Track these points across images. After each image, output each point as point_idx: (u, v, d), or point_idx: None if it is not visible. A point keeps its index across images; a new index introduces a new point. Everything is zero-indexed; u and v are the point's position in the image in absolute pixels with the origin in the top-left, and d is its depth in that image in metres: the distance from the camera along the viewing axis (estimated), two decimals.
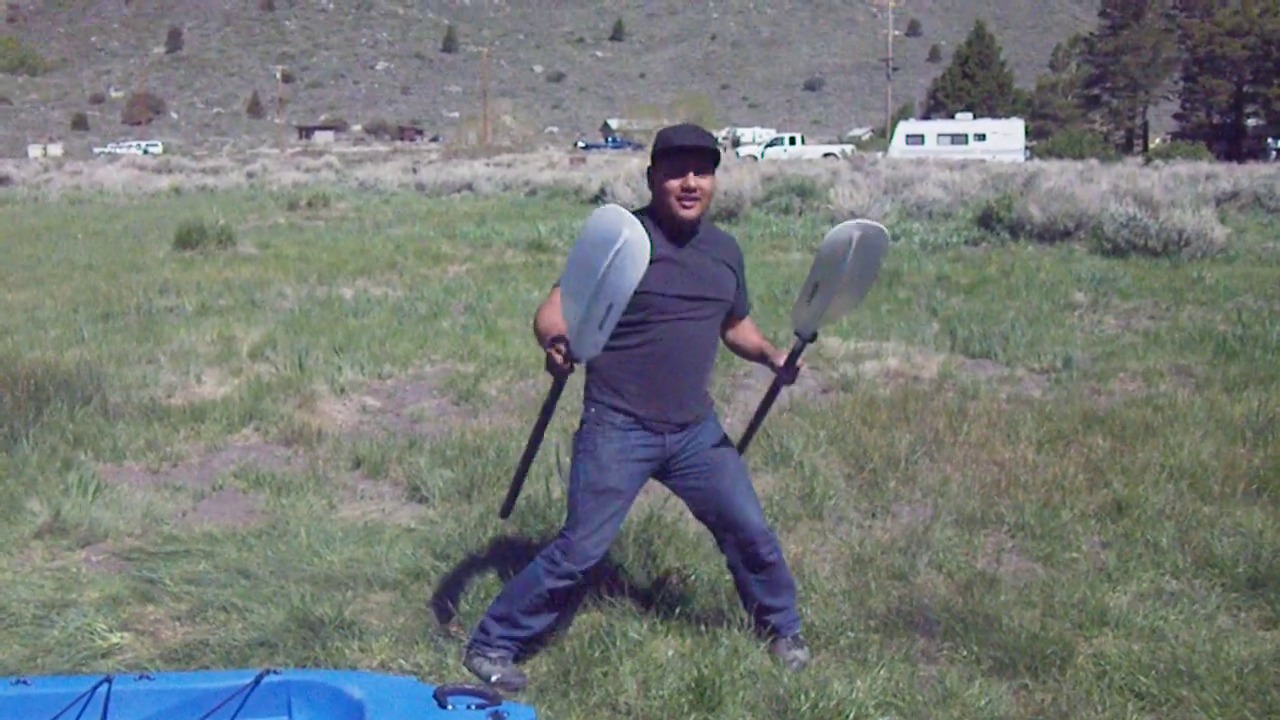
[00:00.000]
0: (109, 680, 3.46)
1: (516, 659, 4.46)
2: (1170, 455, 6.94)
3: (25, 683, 3.50)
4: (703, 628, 4.65)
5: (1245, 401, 8.25)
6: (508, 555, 5.40)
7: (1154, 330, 11.51)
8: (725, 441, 4.59)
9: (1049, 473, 6.71)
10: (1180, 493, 6.35)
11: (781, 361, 4.51)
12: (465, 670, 4.39)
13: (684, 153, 4.27)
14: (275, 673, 3.55)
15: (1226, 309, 12.67)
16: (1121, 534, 5.80)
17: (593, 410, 4.41)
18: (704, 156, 4.28)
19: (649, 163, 4.34)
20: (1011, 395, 8.80)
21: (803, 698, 4.04)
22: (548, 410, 4.10)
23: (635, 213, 3.99)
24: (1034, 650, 4.45)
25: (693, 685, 4.16)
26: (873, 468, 6.78)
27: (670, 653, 4.46)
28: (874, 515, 6.14)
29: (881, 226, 4.23)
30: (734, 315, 4.62)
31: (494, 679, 4.27)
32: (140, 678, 3.55)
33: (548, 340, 3.93)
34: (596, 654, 4.40)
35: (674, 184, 4.25)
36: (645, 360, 4.30)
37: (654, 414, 4.34)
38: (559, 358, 3.81)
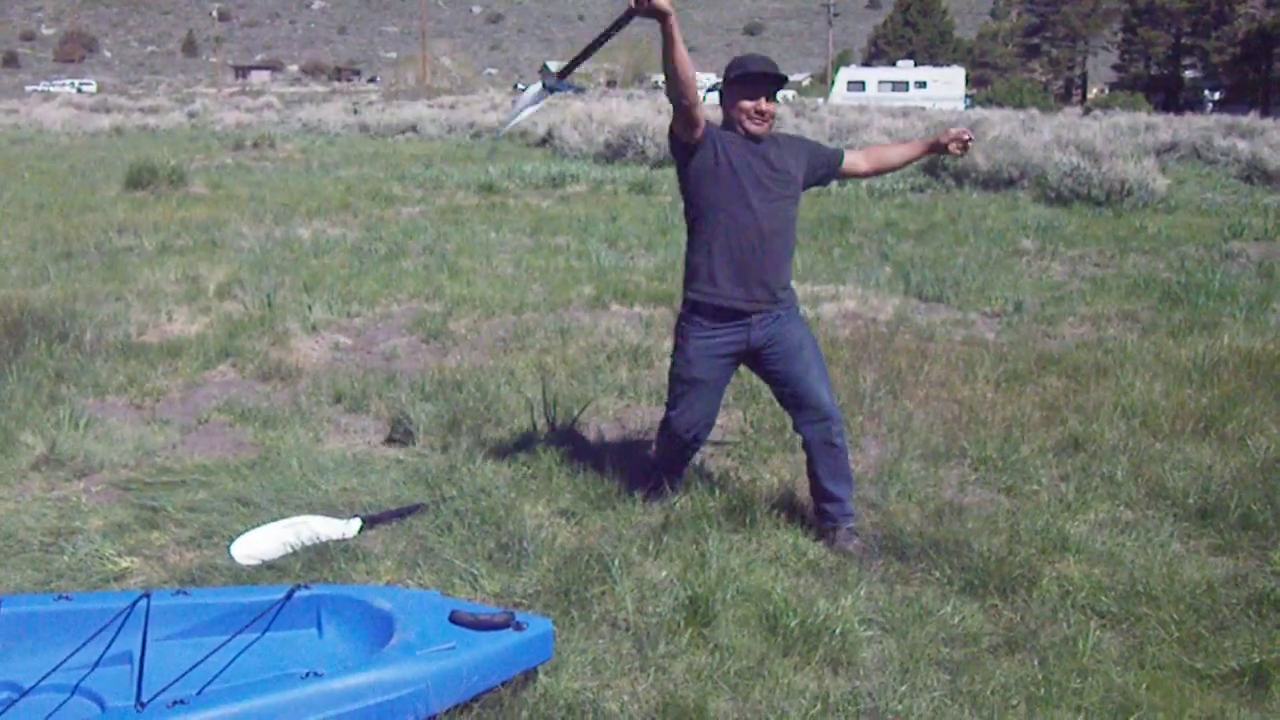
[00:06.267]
0: (148, 595, 3.65)
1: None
2: (1122, 395, 7.27)
3: (68, 598, 3.69)
4: (695, 550, 4.90)
5: (1190, 345, 8.59)
6: (499, 484, 5.64)
7: (1100, 277, 11.85)
8: (805, 330, 5.17)
9: (1007, 410, 7.00)
10: (1133, 429, 6.67)
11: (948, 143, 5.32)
12: (473, 590, 4.61)
13: (758, 79, 4.90)
14: (305, 587, 3.76)
15: (1169, 257, 13.05)
16: (1079, 467, 6.10)
17: (685, 307, 5.10)
18: (774, 83, 4.92)
19: (722, 86, 4.98)
20: (966, 337, 9.09)
21: (791, 614, 4.31)
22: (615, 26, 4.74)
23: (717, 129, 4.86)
24: (1002, 573, 4.73)
25: (686, 603, 4.41)
26: (840, 404, 7.03)
27: (664, 574, 4.71)
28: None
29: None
30: (840, 166, 5.30)
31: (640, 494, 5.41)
32: (177, 593, 3.74)
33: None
34: (594, 574, 4.64)
35: (748, 105, 4.93)
36: (730, 239, 4.89)
37: (743, 295, 4.91)
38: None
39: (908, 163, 5.57)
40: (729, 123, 5.00)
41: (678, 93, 4.68)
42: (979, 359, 8.15)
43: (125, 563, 4.92)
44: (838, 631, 4.22)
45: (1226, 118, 41.22)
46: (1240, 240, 14.43)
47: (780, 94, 5.21)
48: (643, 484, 5.49)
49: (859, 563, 4.90)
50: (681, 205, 5.17)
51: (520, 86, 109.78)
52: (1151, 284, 11.25)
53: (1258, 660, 4.07)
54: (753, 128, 4.92)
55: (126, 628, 3.53)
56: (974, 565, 4.81)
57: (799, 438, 5.20)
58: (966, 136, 5.29)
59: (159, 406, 7.31)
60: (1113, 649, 4.24)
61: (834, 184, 13.14)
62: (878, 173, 5.49)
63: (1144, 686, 3.95)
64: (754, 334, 4.99)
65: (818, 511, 5.20)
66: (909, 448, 6.31)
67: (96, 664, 3.45)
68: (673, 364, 5.16)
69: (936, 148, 5.37)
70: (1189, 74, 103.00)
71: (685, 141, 4.91)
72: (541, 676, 3.82)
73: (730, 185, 4.88)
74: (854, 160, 5.35)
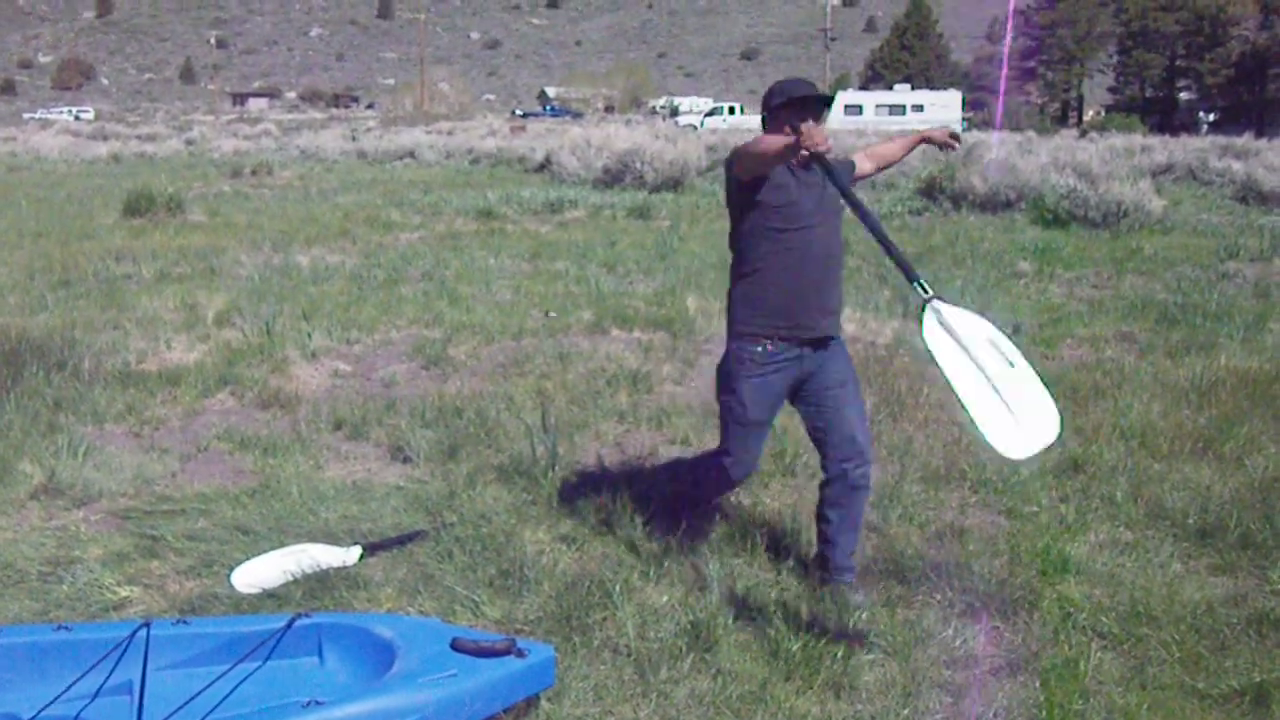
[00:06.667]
0: (147, 625, 3.64)
1: None
2: (1120, 416, 7.28)
3: (67, 628, 3.69)
4: (695, 574, 4.89)
5: (1188, 366, 8.60)
6: (500, 510, 5.65)
7: (1098, 298, 11.88)
8: (850, 364, 5.01)
9: None
10: (1131, 450, 6.68)
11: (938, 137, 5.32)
12: (474, 617, 4.61)
13: (806, 102, 4.76)
14: (306, 615, 3.76)
15: (1166, 278, 13.07)
16: (1078, 489, 6.11)
17: (734, 345, 4.85)
18: (821, 104, 4.80)
19: (763, 111, 4.85)
20: None
21: (793, 639, 4.31)
22: (856, 203, 4.49)
23: None
24: (1003, 595, 4.75)
25: (688, 628, 4.41)
26: None
27: (665, 599, 4.71)
28: None
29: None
30: (854, 174, 5.19)
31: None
32: (177, 622, 3.74)
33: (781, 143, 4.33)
34: (596, 600, 4.63)
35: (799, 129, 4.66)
36: (782, 269, 4.70)
37: (793, 325, 4.73)
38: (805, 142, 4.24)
39: (906, 154, 5.55)
40: None
41: (758, 166, 4.61)
42: None
43: (125, 592, 4.92)
44: (839, 655, 4.22)
45: (1221, 139, 41.40)
46: (1236, 261, 14.46)
47: None
48: (685, 515, 5.33)
49: (862, 590, 4.90)
50: (730, 238, 4.95)
51: (519, 112, 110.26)
52: (1149, 305, 11.27)
53: (1258, 680, 4.07)
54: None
55: (126, 658, 3.53)
56: (975, 587, 4.82)
57: (818, 473, 5.00)
58: (954, 134, 5.32)
59: (158, 435, 7.30)
60: (1114, 670, 4.24)
61: None
62: (881, 170, 5.49)
63: (1145, 707, 3.95)
64: (805, 365, 4.81)
65: (821, 561, 4.99)
66: (909, 470, 6.31)
67: (96, 694, 3.45)
68: (727, 409, 4.92)
69: (928, 140, 5.38)
70: (1184, 96, 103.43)
71: (748, 180, 4.73)
72: (544, 703, 3.82)
73: (794, 210, 4.71)
74: (861, 165, 5.30)
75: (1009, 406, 4.12)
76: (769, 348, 4.75)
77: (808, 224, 4.72)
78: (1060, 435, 4.20)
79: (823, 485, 4.95)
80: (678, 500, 5.51)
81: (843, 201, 4.81)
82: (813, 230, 4.73)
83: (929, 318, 4.30)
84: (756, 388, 4.80)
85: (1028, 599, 4.73)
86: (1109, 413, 7.39)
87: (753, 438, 4.92)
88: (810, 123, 4.59)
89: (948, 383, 4.11)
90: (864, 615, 4.61)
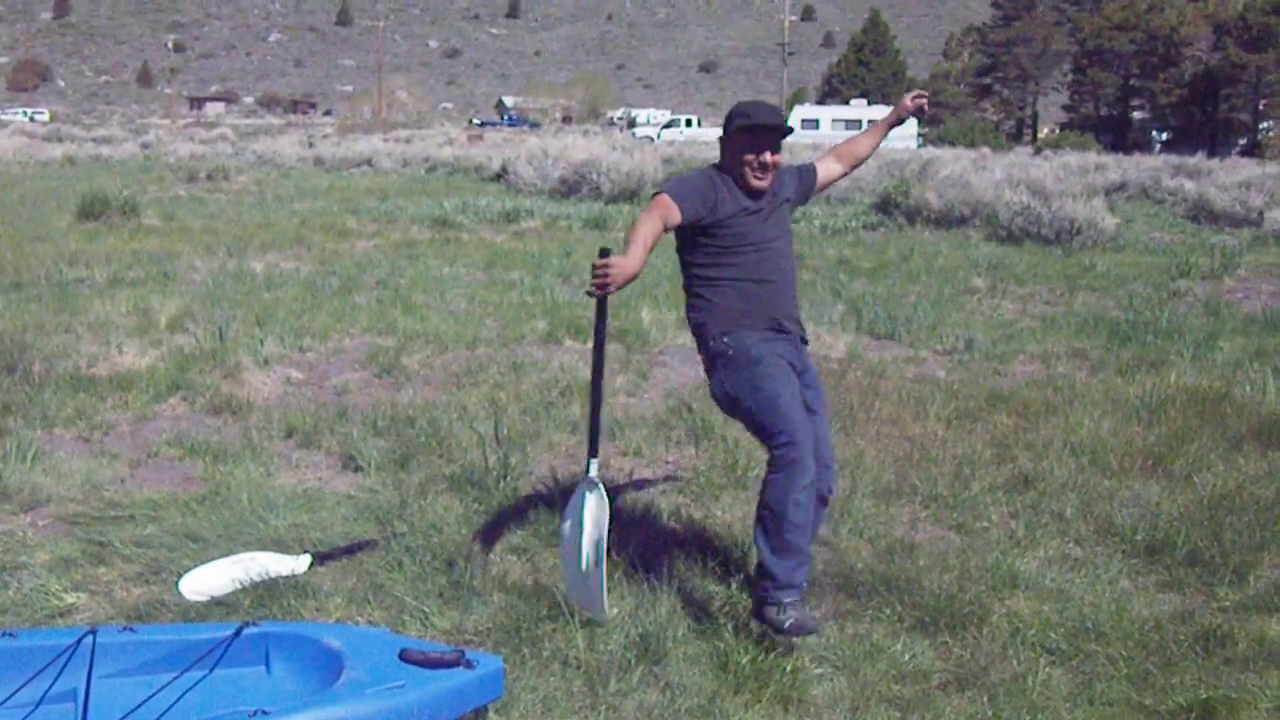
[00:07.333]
0: (94, 632, 3.61)
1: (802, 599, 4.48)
2: (1071, 432, 7.33)
3: (12, 634, 3.64)
4: (645, 587, 4.88)
5: (1139, 383, 8.68)
6: (451, 520, 5.63)
7: (1050, 315, 11.98)
8: (819, 379, 4.95)
9: (958, 448, 7.04)
10: (1082, 467, 6.72)
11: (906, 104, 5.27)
12: (423, 627, 4.58)
13: (763, 130, 4.65)
14: (254, 624, 3.73)
15: (1118, 296, 13.21)
16: (1028, 505, 6.14)
17: (719, 344, 4.64)
18: (779, 134, 4.68)
19: (722, 131, 4.73)
20: (918, 375, 9.15)
21: (742, 652, 4.31)
22: (599, 333, 4.50)
23: (711, 168, 4.70)
24: (952, 610, 4.75)
25: (638, 641, 4.40)
26: None
27: (615, 611, 4.70)
28: None
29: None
30: (821, 178, 5.17)
31: (787, 625, 4.32)
32: (123, 629, 3.70)
33: (617, 264, 4.21)
34: (545, 611, 4.62)
35: (751, 158, 4.64)
36: (743, 283, 4.63)
37: (779, 315, 4.70)
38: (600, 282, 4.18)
39: (879, 141, 5.39)
40: (730, 172, 4.71)
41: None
42: (930, 396, 8.19)
43: (71, 598, 4.86)
44: (789, 669, 4.22)
45: (1174, 158, 41.91)
46: (1187, 279, 14.63)
47: None
48: (786, 592, 4.43)
49: (810, 603, 4.90)
50: (681, 264, 4.84)
51: (477, 121, 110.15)
52: (1100, 322, 11.37)
53: (1205, 696, 4.10)
54: (755, 183, 4.64)
55: (71, 665, 3.49)
56: (925, 602, 4.83)
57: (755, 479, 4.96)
58: (922, 98, 5.27)
59: (108, 440, 7.24)
60: (1062, 686, 4.26)
61: None
62: (855, 167, 5.36)
63: None
64: (800, 353, 4.75)
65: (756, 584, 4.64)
66: (860, 485, 6.32)
67: (40, 702, 3.41)
68: (746, 397, 4.55)
69: (899, 120, 5.30)
70: (1137, 115, 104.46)
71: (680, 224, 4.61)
72: (492, 715, 3.80)
73: (748, 231, 4.63)
74: (829, 168, 5.20)
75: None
76: (755, 334, 4.65)
77: (752, 248, 4.66)
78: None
79: None
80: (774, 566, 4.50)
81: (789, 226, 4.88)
82: (759, 252, 4.67)
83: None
84: (769, 353, 4.58)
85: (977, 614, 4.74)
86: (1060, 429, 7.44)
87: (791, 400, 4.48)
88: (768, 154, 4.63)
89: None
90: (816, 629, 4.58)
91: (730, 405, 4.71)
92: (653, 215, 4.46)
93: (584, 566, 4.49)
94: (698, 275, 4.75)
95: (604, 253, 4.22)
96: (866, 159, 5.45)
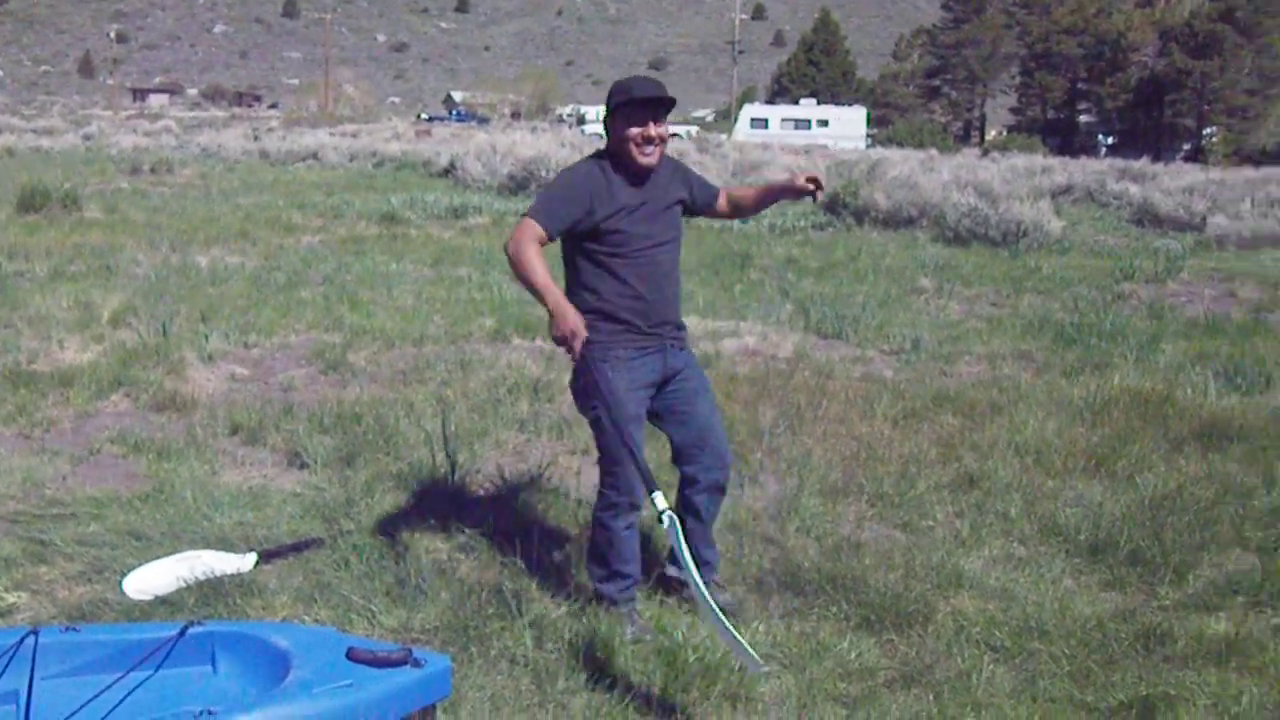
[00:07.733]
0: (35, 632, 3.56)
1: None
2: (1016, 433, 7.39)
3: None
4: (592, 586, 4.87)
5: (1082, 385, 8.76)
6: (398, 518, 5.61)
7: (996, 316, 12.08)
8: (702, 373, 4.96)
9: (904, 447, 7.09)
10: (1026, 467, 6.79)
11: (798, 182, 4.91)
12: (370, 626, 4.57)
13: (644, 103, 4.53)
14: (199, 623, 3.69)
15: (1063, 298, 13.34)
16: (973, 504, 6.19)
17: (595, 349, 4.46)
18: (662, 106, 4.57)
19: (606, 112, 4.58)
20: (865, 374, 9.20)
21: (690, 650, 4.31)
22: (603, 380, 4.44)
23: (594, 156, 4.58)
24: (898, 608, 4.79)
25: (585, 639, 4.41)
26: (739, 440, 7.07)
27: (563, 609, 4.70)
28: (742, 485, 6.33)
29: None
30: (709, 206, 5.03)
31: (627, 637, 4.46)
32: (66, 630, 3.65)
33: (568, 326, 4.25)
34: (493, 610, 4.62)
35: (635, 132, 4.52)
36: (632, 279, 4.56)
37: (655, 322, 4.62)
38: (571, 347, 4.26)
39: (759, 207, 5.16)
40: (616, 154, 4.59)
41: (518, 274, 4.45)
42: (877, 396, 8.24)
43: (12, 598, 4.82)
44: (737, 666, 4.23)
45: (1120, 162, 42.25)
46: (1131, 282, 14.79)
47: (685, 129, 4.98)
48: (611, 603, 4.71)
49: (757, 601, 4.92)
50: (564, 260, 4.74)
51: (425, 116, 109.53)
52: (1046, 324, 11.48)
53: (1145, 693, 4.16)
54: (643, 160, 4.53)
55: (13, 666, 3.44)
56: (871, 601, 4.86)
57: (687, 484, 4.90)
58: (814, 178, 4.93)
59: (49, 437, 7.17)
60: (1005, 683, 4.30)
61: (736, 221, 13.34)
62: (732, 216, 5.17)
63: (1036, 719, 4.02)
64: (669, 360, 4.68)
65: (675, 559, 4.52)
66: (807, 484, 6.35)
67: None
68: (600, 412, 4.53)
69: (788, 191, 4.99)
70: (1084, 118, 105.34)
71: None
72: (440, 714, 3.79)
73: (633, 232, 4.55)
74: (720, 201, 5.05)
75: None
76: (629, 346, 4.61)
77: (641, 248, 4.58)
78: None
79: (688, 495, 4.91)
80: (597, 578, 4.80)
81: (680, 226, 4.84)
82: (649, 251, 4.60)
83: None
84: (628, 384, 4.57)
85: (922, 613, 4.79)
86: (1004, 429, 7.50)
87: (632, 440, 4.43)
88: (652, 126, 4.53)
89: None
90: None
91: (581, 408, 4.81)
92: (530, 242, 4.36)
93: (714, 612, 4.00)
94: (578, 278, 4.66)
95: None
96: (746, 214, 5.29)
